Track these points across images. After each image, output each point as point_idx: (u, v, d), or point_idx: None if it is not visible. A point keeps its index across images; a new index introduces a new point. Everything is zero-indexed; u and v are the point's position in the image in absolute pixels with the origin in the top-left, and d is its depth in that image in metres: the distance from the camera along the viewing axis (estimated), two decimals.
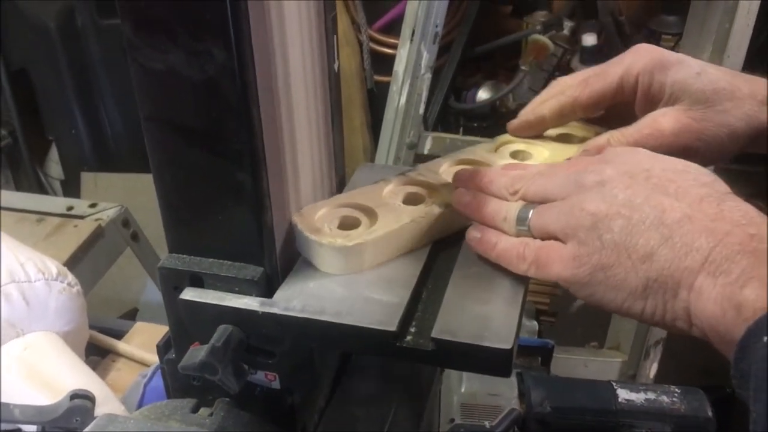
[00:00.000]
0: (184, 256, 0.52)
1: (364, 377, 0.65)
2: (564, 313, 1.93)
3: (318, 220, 0.55)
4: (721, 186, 0.46)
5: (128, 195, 2.17)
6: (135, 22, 0.44)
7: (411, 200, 0.58)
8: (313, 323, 0.48)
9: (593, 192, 0.47)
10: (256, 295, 0.50)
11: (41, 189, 2.48)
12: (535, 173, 0.53)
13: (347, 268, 0.53)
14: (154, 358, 1.03)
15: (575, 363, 1.52)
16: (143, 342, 1.10)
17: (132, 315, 2.03)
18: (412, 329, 0.49)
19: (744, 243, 0.41)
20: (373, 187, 0.59)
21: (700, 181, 0.46)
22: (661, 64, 0.58)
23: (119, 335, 1.12)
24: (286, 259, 0.53)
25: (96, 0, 2.27)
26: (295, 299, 0.50)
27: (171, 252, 0.52)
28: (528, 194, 0.52)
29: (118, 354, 1.07)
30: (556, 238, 0.48)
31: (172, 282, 0.51)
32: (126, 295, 2.07)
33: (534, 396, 0.84)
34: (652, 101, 0.59)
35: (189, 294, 0.51)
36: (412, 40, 1.35)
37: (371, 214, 0.56)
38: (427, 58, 1.36)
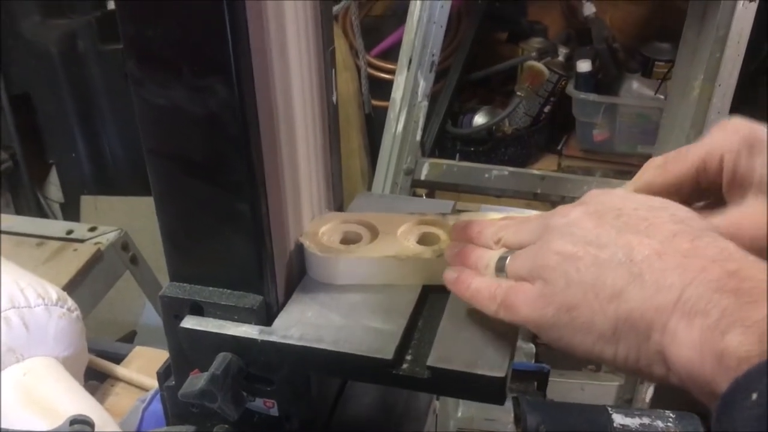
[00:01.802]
0: (185, 284, 0.53)
1: (361, 403, 0.66)
2: None
3: (326, 230, 0.58)
4: (699, 222, 0.44)
5: (128, 218, 2.18)
6: (139, 58, 0.45)
7: (424, 240, 0.58)
8: (311, 351, 0.49)
9: (560, 232, 0.45)
10: (256, 324, 0.51)
11: (41, 212, 2.49)
12: (519, 221, 0.52)
13: (319, 275, 0.56)
14: (152, 383, 1.04)
15: (571, 387, 1.52)
16: (142, 366, 1.10)
17: (130, 338, 2.03)
18: (408, 357, 0.50)
19: (722, 280, 0.38)
20: (401, 216, 0.60)
21: (676, 217, 0.44)
22: (750, 144, 0.49)
23: (118, 359, 1.12)
24: (286, 288, 0.54)
25: (98, 26, 2.30)
26: (293, 327, 0.51)
27: (172, 280, 0.53)
28: (508, 242, 0.51)
29: (117, 378, 1.07)
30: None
31: (173, 310, 0.52)
32: (124, 318, 2.07)
33: (530, 420, 0.85)
34: (742, 186, 0.50)
35: (189, 322, 0.52)
36: (409, 68, 1.37)
37: (374, 236, 0.57)
38: (423, 86, 1.38)
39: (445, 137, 2.00)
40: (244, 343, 0.50)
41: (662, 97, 1.85)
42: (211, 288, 0.52)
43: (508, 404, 0.91)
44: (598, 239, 0.43)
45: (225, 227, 0.50)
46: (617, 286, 0.41)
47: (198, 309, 0.52)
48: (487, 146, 2.00)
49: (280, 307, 0.53)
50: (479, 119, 2.03)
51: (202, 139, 0.47)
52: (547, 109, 2.09)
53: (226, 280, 0.52)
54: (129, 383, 1.07)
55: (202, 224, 0.50)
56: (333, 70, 0.60)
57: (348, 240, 0.58)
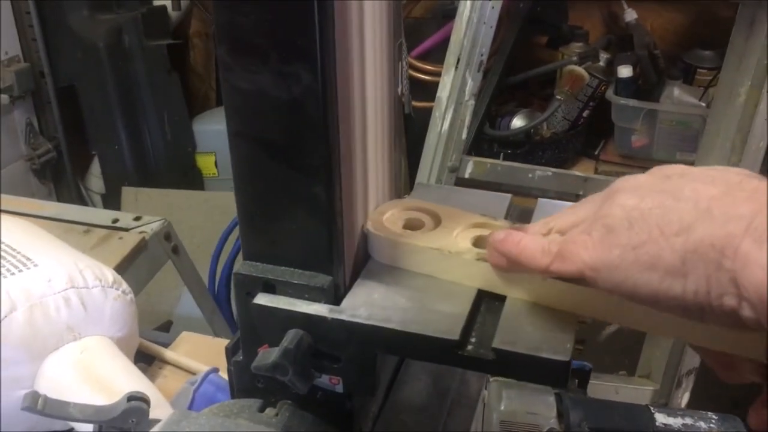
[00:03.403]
0: (258, 263, 0.55)
1: (414, 388, 0.68)
2: (592, 341, 1.93)
3: (390, 214, 0.60)
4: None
5: (167, 210, 2.23)
6: (230, 45, 0.48)
7: (481, 242, 0.58)
8: (380, 330, 0.51)
9: (624, 190, 0.45)
10: (325, 303, 0.53)
11: (82, 202, 2.55)
12: (568, 209, 0.52)
13: (374, 253, 0.59)
14: (199, 367, 1.07)
15: (606, 389, 1.52)
16: (188, 351, 1.13)
17: (166, 327, 2.07)
18: (473, 339, 0.51)
19: None
20: (468, 214, 0.61)
21: (739, 172, 0.43)
22: None
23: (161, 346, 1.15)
24: (353, 270, 0.56)
25: (143, 21, 2.36)
26: (361, 307, 0.53)
27: (245, 259, 0.56)
28: (562, 226, 0.50)
29: (165, 362, 1.11)
30: None
31: (246, 287, 0.55)
32: (161, 308, 2.11)
33: (573, 416, 0.86)
34: None
35: (262, 299, 0.54)
36: (457, 67, 1.39)
37: (437, 224, 0.59)
38: (471, 85, 1.40)
39: (482, 139, 2.01)
40: (314, 320, 0.53)
41: (704, 104, 1.85)
42: (283, 267, 0.54)
43: (551, 400, 0.92)
44: (664, 189, 0.43)
45: (300, 209, 0.52)
46: (685, 221, 0.40)
47: (270, 287, 0.54)
48: (524, 149, 2.01)
49: (348, 288, 0.55)
50: (517, 122, 2.04)
51: (284, 123, 0.49)
52: (586, 113, 2.10)
53: (297, 259, 0.54)
54: (177, 366, 1.10)
55: (278, 205, 0.53)
56: (400, 63, 0.62)
57: (410, 226, 0.60)
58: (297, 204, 0.52)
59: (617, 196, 0.45)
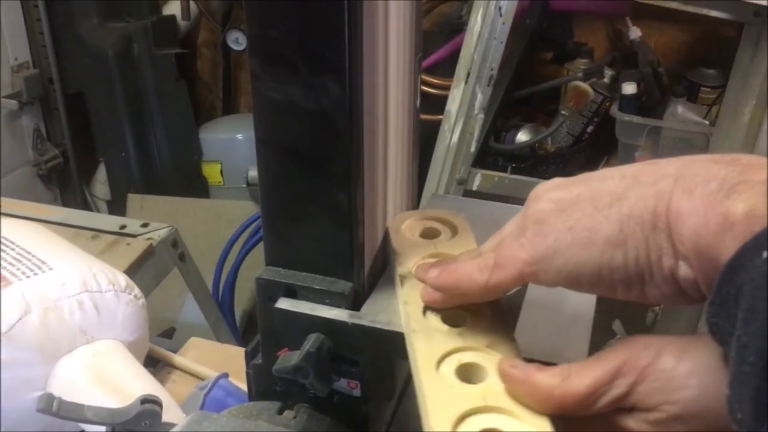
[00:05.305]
0: (280, 269, 0.56)
1: None
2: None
3: (410, 221, 0.61)
4: None
5: (173, 218, 2.24)
6: (262, 56, 0.49)
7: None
8: (398, 336, 0.53)
9: (548, 190, 0.44)
10: (345, 308, 0.55)
11: (87, 208, 2.57)
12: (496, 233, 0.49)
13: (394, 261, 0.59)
14: (207, 372, 1.08)
15: None
16: (197, 356, 1.14)
17: (169, 334, 2.08)
18: None
19: (717, 159, 0.38)
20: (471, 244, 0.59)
21: None
22: None
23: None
24: (373, 277, 0.58)
25: (153, 30, 2.38)
26: (381, 313, 0.55)
27: (268, 264, 0.57)
28: (491, 246, 0.48)
29: (173, 366, 1.12)
30: None
31: (268, 292, 0.56)
32: (164, 315, 2.12)
33: None
34: None
35: (284, 304, 0.55)
36: (467, 81, 1.41)
37: (454, 232, 0.60)
38: (481, 99, 1.42)
39: (487, 152, 2.03)
40: (334, 325, 0.54)
41: (707, 122, 1.87)
42: (304, 273, 0.56)
43: None
44: (587, 178, 0.43)
45: (322, 216, 0.54)
46: (615, 193, 0.40)
47: (292, 292, 0.56)
48: (528, 163, 2.02)
49: (366, 294, 0.57)
50: (522, 136, 2.05)
51: (310, 132, 0.51)
52: (590, 129, 2.12)
53: (319, 265, 0.56)
54: (185, 371, 1.11)
55: (302, 212, 0.54)
56: (419, 77, 0.64)
57: (428, 234, 0.61)
58: (320, 211, 0.54)
59: (541, 196, 0.44)
